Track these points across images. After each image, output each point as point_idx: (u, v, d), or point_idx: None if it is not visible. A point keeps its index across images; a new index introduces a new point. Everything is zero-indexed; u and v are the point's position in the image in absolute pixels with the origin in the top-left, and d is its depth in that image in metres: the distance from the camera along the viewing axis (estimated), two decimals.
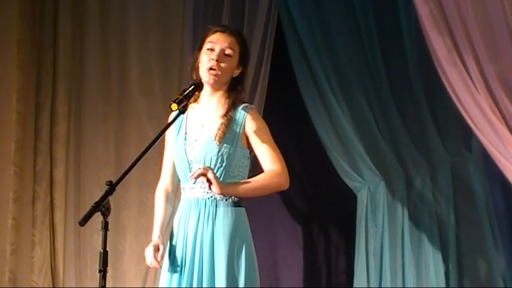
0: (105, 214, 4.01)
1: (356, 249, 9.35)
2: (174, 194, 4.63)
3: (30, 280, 9.15)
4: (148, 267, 8.86)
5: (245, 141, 4.69)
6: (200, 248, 4.51)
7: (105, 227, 4.05)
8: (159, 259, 4.54)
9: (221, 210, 4.55)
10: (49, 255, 9.46)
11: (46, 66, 9.54)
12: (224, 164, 4.60)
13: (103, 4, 9.42)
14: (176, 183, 4.69)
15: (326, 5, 9.05)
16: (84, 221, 4.06)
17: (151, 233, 8.16)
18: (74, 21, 9.59)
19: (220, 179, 4.59)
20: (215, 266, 4.59)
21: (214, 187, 4.44)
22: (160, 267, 4.43)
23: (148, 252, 4.46)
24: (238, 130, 4.64)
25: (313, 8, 9.11)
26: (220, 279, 4.57)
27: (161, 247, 4.54)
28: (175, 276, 4.62)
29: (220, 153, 4.52)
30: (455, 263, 8.97)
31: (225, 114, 4.56)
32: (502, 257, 8.75)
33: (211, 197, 4.60)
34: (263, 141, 4.64)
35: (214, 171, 4.58)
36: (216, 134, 4.58)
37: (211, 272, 4.60)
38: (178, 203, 4.75)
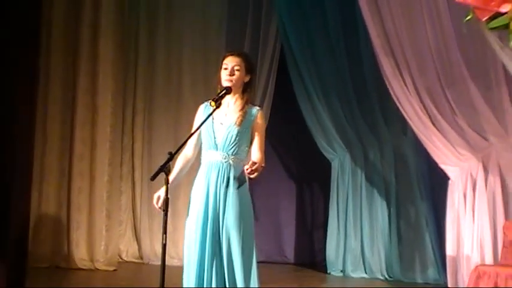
0: (167, 173, 4.05)
1: (330, 198, 9.82)
2: (192, 159, 4.55)
3: (119, 216, 9.75)
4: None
5: (251, 132, 4.54)
6: (218, 195, 4.40)
7: (167, 182, 4.10)
8: (157, 203, 4.40)
9: (232, 172, 4.41)
10: (131, 200, 10.19)
11: (130, 76, 10.11)
12: (238, 142, 4.49)
13: (168, 35, 9.91)
14: (196, 151, 4.57)
15: (314, 39, 9.51)
16: (153, 178, 4.07)
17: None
18: (149, 44, 10.08)
19: (232, 152, 4.49)
20: (229, 204, 4.40)
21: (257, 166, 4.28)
22: (163, 210, 4.30)
23: (155, 196, 4.38)
24: (250, 123, 4.59)
25: (305, 39, 9.53)
26: (232, 214, 4.40)
27: (160, 196, 4.35)
28: (200, 214, 4.39)
29: (238, 133, 4.45)
30: (394, 209, 9.51)
31: (242, 109, 4.56)
32: (425, 204, 9.29)
33: (226, 162, 4.40)
34: (260, 135, 4.60)
35: (231, 145, 4.48)
36: (236, 121, 4.44)
37: (224, 216, 4.40)
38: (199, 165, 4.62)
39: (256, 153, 4.55)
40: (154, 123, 9.89)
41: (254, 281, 4.44)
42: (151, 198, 9.88)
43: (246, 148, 4.59)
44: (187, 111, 9.09)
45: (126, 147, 9.94)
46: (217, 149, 4.49)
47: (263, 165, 4.50)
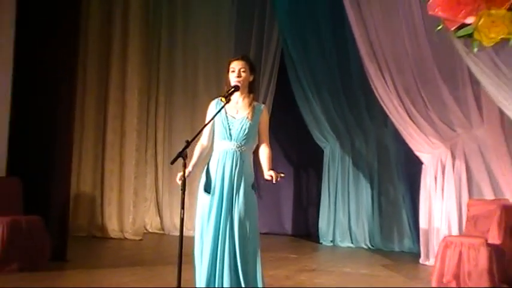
0: (184, 159, 4.01)
1: (323, 180, 9.80)
2: (208, 147, 4.54)
3: (144, 194, 9.71)
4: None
5: (258, 126, 4.51)
6: (232, 178, 4.35)
7: (184, 166, 4.04)
8: (180, 179, 4.37)
9: (243, 158, 4.38)
10: (154, 180, 10.19)
11: (153, 75, 10.08)
12: (249, 133, 4.43)
13: (185, 40, 9.91)
14: (210, 141, 4.56)
15: (309, 46, 9.41)
16: (173, 162, 4.07)
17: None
18: (169, 48, 10.07)
19: (243, 142, 4.43)
20: (239, 189, 4.35)
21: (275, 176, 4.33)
22: (181, 189, 4.34)
23: (179, 175, 4.37)
24: (258, 117, 4.52)
25: (301, 46, 9.44)
26: (242, 201, 4.35)
27: (181, 175, 4.37)
28: (216, 199, 4.34)
29: (250, 126, 4.43)
30: (376, 189, 9.50)
31: (250, 105, 4.48)
32: (403, 185, 9.26)
33: (239, 150, 4.37)
34: (265, 128, 4.55)
35: (244, 136, 4.44)
36: (248, 116, 4.43)
37: (238, 195, 4.35)
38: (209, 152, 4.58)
39: (264, 144, 4.54)
40: (174, 116, 9.93)
41: (257, 245, 4.45)
42: (171, 179, 10.03)
43: (254, 139, 4.55)
44: (202, 106, 9.01)
45: (150, 136, 9.97)
46: (231, 140, 4.43)
47: (270, 149, 4.53)
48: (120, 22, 9.25)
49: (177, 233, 4.26)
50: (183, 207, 3.97)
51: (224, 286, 4.29)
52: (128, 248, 8.21)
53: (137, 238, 8.90)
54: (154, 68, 9.96)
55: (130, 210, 9.01)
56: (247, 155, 4.49)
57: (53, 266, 6.25)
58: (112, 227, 8.99)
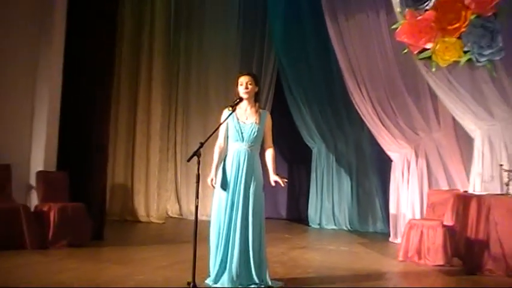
0: (198, 157, 4.12)
1: (311, 174, 9.78)
2: (224, 148, 4.57)
3: (166, 185, 9.67)
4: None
5: (264, 129, 4.52)
6: (244, 176, 4.38)
7: (198, 163, 4.14)
8: (212, 183, 4.41)
9: (252, 156, 4.41)
10: (174, 175, 10.09)
11: (173, 88, 10.00)
12: (257, 135, 4.45)
13: (199, 59, 9.87)
14: (226, 142, 4.54)
15: (299, 63, 9.35)
16: (189, 160, 4.23)
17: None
18: (186, 65, 10.00)
19: (252, 142, 4.45)
20: (251, 181, 4.41)
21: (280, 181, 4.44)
22: (213, 186, 4.38)
23: (209, 179, 4.39)
24: (264, 121, 4.52)
25: (293, 63, 9.40)
26: (252, 192, 4.42)
27: (213, 178, 4.44)
28: (229, 191, 4.40)
29: (258, 130, 4.45)
30: (355, 181, 9.49)
31: (257, 111, 4.50)
32: (376, 178, 9.24)
33: (250, 149, 4.41)
34: (269, 130, 4.57)
35: (253, 138, 4.46)
36: (256, 121, 4.46)
37: (247, 188, 4.41)
38: (226, 152, 4.59)
39: (269, 144, 4.55)
40: (189, 122, 9.89)
41: (263, 227, 4.51)
42: (188, 174, 10.04)
43: (261, 139, 4.52)
44: (212, 114, 9.26)
45: (170, 138, 9.93)
46: (243, 141, 4.44)
47: (274, 151, 4.57)
48: (147, 47, 9.31)
49: (193, 217, 4.31)
50: (197, 197, 4.08)
51: (234, 266, 4.30)
52: (153, 229, 8.22)
53: (160, 221, 8.92)
54: (174, 84, 9.92)
55: (154, 198, 9.05)
56: (256, 153, 4.49)
57: (93, 243, 6.30)
58: (140, 212, 9.03)
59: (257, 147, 4.51)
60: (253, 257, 4.36)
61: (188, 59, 9.99)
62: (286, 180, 4.47)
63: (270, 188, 4.60)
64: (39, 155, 6.71)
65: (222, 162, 4.53)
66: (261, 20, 9.55)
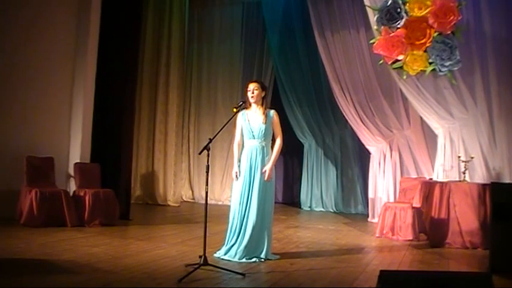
0: (208, 151, 4.06)
1: (303, 165, 9.74)
2: (241, 144, 4.57)
3: (181, 174, 9.60)
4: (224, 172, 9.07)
5: (272, 125, 4.53)
6: (258, 168, 4.40)
7: (208, 155, 4.10)
8: (237, 175, 4.46)
9: (264, 150, 4.44)
10: (188, 166, 10.08)
11: (187, 92, 9.96)
12: (265, 132, 4.47)
13: (209, 66, 9.82)
14: (242, 140, 4.54)
15: (292, 71, 9.33)
16: (200, 153, 4.15)
17: (224, 157, 8.06)
18: (198, 71, 9.95)
19: (263, 139, 4.46)
20: (258, 176, 4.41)
21: (268, 174, 4.39)
22: (206, 172, 4.42)
23: (233, 172, 4.48)
24: (270, 119, 4.52)
25: (288, 71, 9.35)
26: (265, 183, 4.42)
27: (237, 172, 4.46)
28: (245, 181, 4.43)
29: (265, 128, 4.46)
30: (340, 171, 9.46)
31: (264, 113, 4.51)
32: (357, 168, 9.24)
33: (260, 145, 4.44)
34: (276, 126, 4.55)
35: (262, 135, 4.46)
36: (263, 121, 4.47)
37: (261, 178, 4.40)
38: (243, 148, 4.59)
39: (277, 137, 4.52)
40: (201, 122, 9.90)
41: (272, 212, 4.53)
42: (199, 165, 9.84)
43: (270, 135, 4.52)
44: (220, 114, 9.46)
45: (184, 135, 9.93)
46: (254, 138, 4.47)
47: (282, 144, 4.53)
48: (165, 58, 9.29)
49: (204, 201, 4.34)
50: (207, 184, 4.13)
51: (243, 243, 4.35)
52: (170, 212, 8.21)
53: (176, 205, 8.95)
54: (187, 89, 9.92)
55: (171, 185, 9.08)
56: (267, 146, 4.51)
57: (121, 223, 6.38)
58: (159, 197, 9.06)
59: (268, 141, 4.52)
60: (263, 235, 4.41)
61: (199, 67, 10.00)
62: (271, 179, 4.43)
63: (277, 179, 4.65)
64: (76, 149, 6.83)
65: (239, 158, 4.55)
66: (261, 35, 9.59)
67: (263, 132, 4.47)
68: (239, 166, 4.48)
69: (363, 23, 7.40)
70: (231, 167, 4.90)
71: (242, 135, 4.57)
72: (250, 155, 4.46)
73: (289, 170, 10.50)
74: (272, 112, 4.57)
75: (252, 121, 4.52)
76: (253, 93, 4.50)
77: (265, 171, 4.41)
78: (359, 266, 4.36)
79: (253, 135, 4.49)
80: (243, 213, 4.41)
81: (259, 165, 4.42)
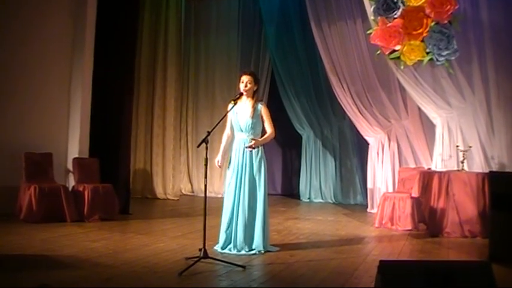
0: (206, 144, 4.03)
1: (302, 156, 9.80)
2: (231, 135, 4.58)
3: (179, 168, 9.64)
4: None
5: (261, 119, 4.49)
6: (247, 160, 4.39)
7: (206, 149, 4.07)
8: (219, 165, 4.52)
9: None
10: (186, 159, 10.10)
11: (184, 86, 9.95)
12: (253, 126, 4.44)
13: (207, 60, 9.83)
14: (231, 132, 4.55)
15: (290, 64, 9.34)
16: (198, 146, 4.15)
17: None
18: (195, 65, 9.97)
19: (251, 132, 4.45)
20: (253, 167, 4.43)
21: (254, 145, 4.37)
22: (220, 167, 4.48)
23: (216, 161, 4.49)
24: (258, 113, 4.47)
25: (285, 63, 9.39)
26: (256, 173, 4.44)
27: (220, 160, 4.51)
28: (235, 173, 4.43)
29: (252, 122, 4.43)
30: (338, 162, 9.50)
31: (253, 106, 4.46)
32: (356, 159, 9.25)
33: (248, 138, 4.42)
34: (267, 118, 4.49)
35: (250, 128, 4.44)
36: (250, 114, 4.44)
37: (251, 170, 4.43)
38: (233, 140, 4.62)
39: (268, 129, 4.47)
40: (198, 115, 9.90)
41: (266, 203, 4.49)
42: (198, 158, 9.83)
43: (259, 128, 4.47)
44: (218, 107, 9.42)
45: (182, 129, 9.93)
46: (242, 131, 4.46)
47: (274, 136, 4.49)
48: (162, 52, 9.30)
49: (203, 195, 4.33)
50: (206, 177, 4.08)
51: (238, 236, 4.36)
52: (169, 205, 8.22)
53: (176, 198, 8.97)
54: (185, 83, 9.91)
55: (170, 179, 9.09)
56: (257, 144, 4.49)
57: (120, 217, 6.38)
58: (158, 191, 9.09)
59: (257, 135, 4.51)
60: (257, 227, 4.40)
61: (197, 61, 9.99)
62: (251, 147, 4.38)
63: (268, 168, 4.60)
64: (75, 145, 6.83)
65: (231, 149, 4.54)
66: (257, 27, 9.58)
67: (250, 126, 4.44)
68: (231, 159, 4.47)
69: (359, 13, 7.35)
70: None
71: (232, 127, 4.56)
72: (239, 148, 4.45)
73: (288, 161, 10.50)
74: (260, 105, 4.51)
75: (240, 114, 4.48)
76: (246, 86, 4.45)
77: (251, 140, 4.38)
78: (359, 256, 4.36)
79: (241, 129, 4.47)
80: (236, 207, 4.40)
81: (247, 158, 4.41)
